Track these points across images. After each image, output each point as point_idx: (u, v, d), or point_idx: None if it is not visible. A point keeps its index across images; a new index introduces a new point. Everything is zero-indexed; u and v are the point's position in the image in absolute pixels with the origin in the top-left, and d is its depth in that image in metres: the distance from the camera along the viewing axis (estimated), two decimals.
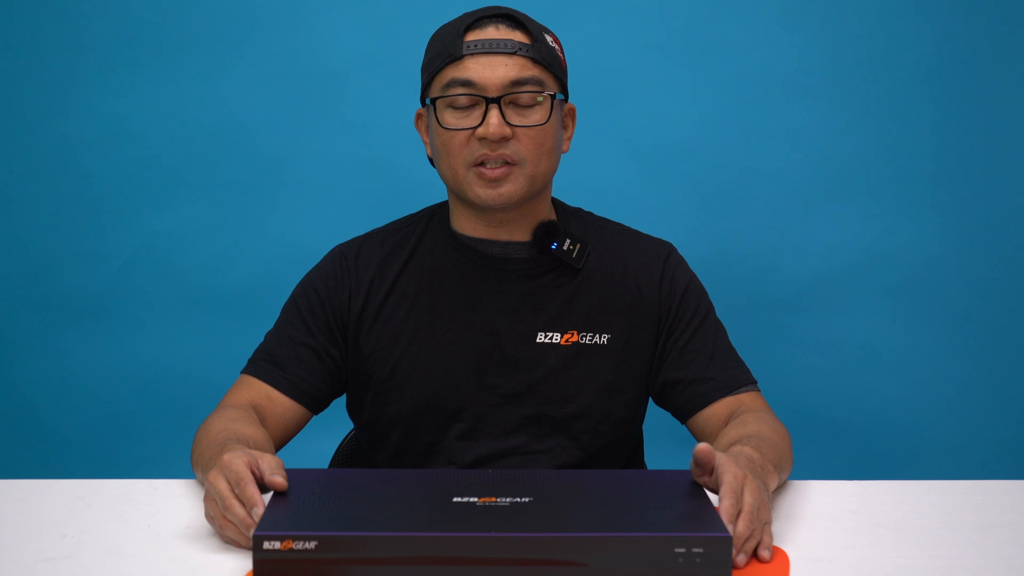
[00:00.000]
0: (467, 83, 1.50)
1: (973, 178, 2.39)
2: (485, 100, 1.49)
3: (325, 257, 1.65)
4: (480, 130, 1.49)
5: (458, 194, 1.56)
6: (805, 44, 2.37)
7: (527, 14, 1.57)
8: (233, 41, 2.40)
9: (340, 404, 1.68)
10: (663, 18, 2.37)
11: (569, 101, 1.61)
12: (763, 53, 2.37)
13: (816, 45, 2.37)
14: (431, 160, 1.59)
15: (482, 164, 1.50)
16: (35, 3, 2.40)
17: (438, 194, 1.66)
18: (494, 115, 1.48)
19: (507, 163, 1.50)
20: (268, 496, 1.21)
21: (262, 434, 1.43)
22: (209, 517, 1.24)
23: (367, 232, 1.67)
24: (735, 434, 1.42)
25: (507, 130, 1.49)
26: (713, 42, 2.37)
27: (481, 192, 1.51)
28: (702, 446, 1.22)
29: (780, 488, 1.42)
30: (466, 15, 1.54)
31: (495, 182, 1.51)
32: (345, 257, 1.62)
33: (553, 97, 1.53)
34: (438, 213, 1.65)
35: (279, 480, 1.21)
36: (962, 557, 1.21)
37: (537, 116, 1.51)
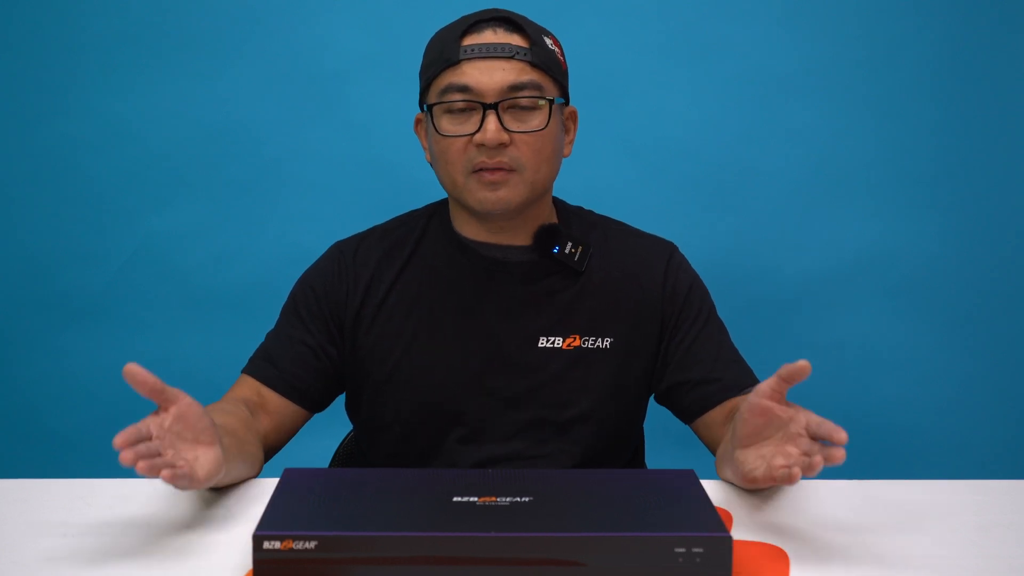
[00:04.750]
0: (464, 88, 1.48)
1: (973, 178, 2.39)
2: (482, 106, 1.47)
3: (323, 255, 1.64)
4: (478, 137, 1.47)
5: (458, 200, 1.55)
6: (805, 44, 2.37)
7: (526, 16, 1.55)
8: (233, 41, 2.40)
9: (340, 404, 1.68)
10: (663, 18, 2.37)
11: (570, 104, 1.59)
12: (763, 53, 2.37)
13: (816, 45, 2.37)
14: (431, 164, 1.58)
15: (481, 171, 1.49)
16: (35, 3, 2.40)
17: (438, 194, 1.65)
18: (491, 121, 1.46)
19: (505, 169, 1.49)
20: (268, 497, 1.21)
21: (234, 421, 1.41)
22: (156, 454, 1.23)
23: (365, 230, 1.66)
24: None
25: (505, 136, 1.47)
26: (713, 42, 2.37)
27: (481, 196, 1.49)
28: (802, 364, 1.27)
29: (779, 488, 1.41)
30: (463, 18, 1.52)
31: (494, 185, 1.48)
32: (343, 254, 1.61)
33: (552, 102, 1.51)
34: (439, 212, 1.63)
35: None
36: (962, 557, 1.20)
37: (536, 121, 1.49)
